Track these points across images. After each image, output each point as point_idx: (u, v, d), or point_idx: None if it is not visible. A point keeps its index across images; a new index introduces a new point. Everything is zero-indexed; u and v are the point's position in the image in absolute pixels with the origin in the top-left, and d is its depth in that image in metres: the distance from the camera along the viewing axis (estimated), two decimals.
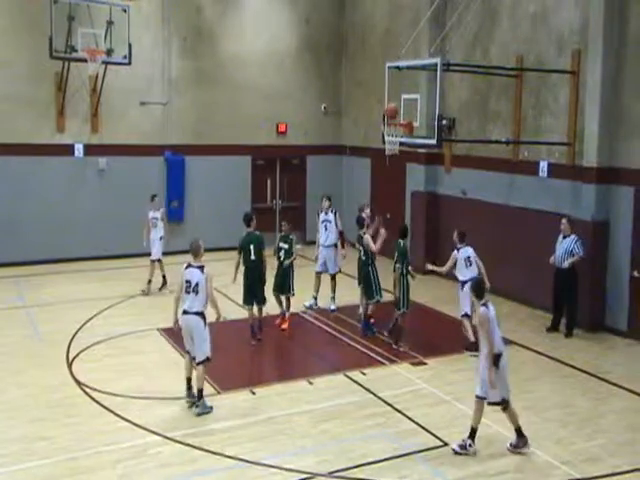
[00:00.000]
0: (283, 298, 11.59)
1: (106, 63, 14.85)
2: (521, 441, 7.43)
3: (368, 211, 12.39)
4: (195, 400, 8.29)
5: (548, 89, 12.73)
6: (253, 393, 8.92)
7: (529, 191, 13.14)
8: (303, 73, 18.75)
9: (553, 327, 11.69)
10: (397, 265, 10.62)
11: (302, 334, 11.51)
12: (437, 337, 11.51)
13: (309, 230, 18.79)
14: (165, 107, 17.10)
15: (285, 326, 11.43)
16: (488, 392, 7.38)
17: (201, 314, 8.22)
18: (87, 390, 8.85)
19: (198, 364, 8.26)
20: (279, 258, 11.49)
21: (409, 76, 13.15)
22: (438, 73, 11.07)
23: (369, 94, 17.53)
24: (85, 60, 14.43)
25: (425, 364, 10.05)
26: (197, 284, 8.19)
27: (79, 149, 16.25)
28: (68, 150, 16.12)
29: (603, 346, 11.10)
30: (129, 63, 15.00)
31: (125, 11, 14.84)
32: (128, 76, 16.01)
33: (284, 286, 11.47)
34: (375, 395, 8.89)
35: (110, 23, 14.63)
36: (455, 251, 10.69)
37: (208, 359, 8.25)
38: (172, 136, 17.23)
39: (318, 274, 12.82)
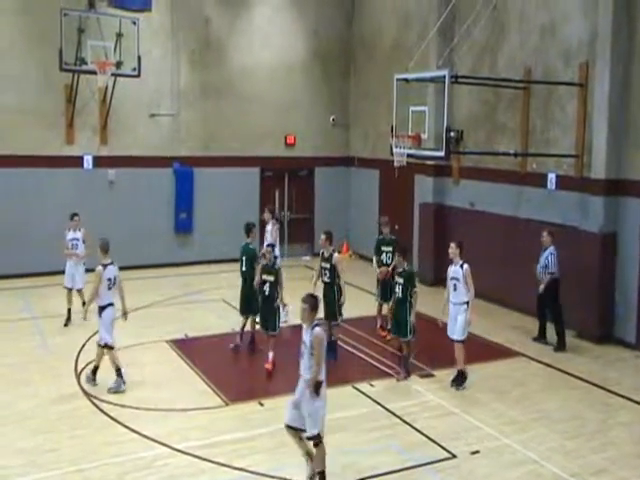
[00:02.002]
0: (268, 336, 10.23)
1: (115, 75, 14.96)
2: None
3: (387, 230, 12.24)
4: (95, 383, 9.27)
5: (556, 101, 12.75)
6: (261, 405, 8.92)
7: (537, 203, 13.12)
8: (311, 85, 18.84)
9: (540, 336, 11.73)
10: (415, 290, 9.87)
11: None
12: (445, 349, 11.45)
13: (317, 242, 18.82)
14: (174, 119, 17.21)
15: (269, 366, 10.03)
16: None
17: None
18: (95, 401, 8.86)
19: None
20: (263, 292, 10.15)
21: (417, 88, 13.19)
22: (446, 85, 11.11)
23: (377, 106, 17.59)
24: (95, 72, 14.55)
25: (433, 376, 10.02)
26: (115, 278, 9.38)
27: (88, 161, 16.37)
28: (77, 162, 16.23)
29: (611, 358, 11.04)
30: (138, 75, 15.12)
31: (134, 23, 14.99)
32: (137, 88, 16.14)
33: (268, 323, 10.17)
34: (383, 407, 8.87)
35: (120, 35, 14.76)
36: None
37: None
38: (181, 148, 17.33)
39: None
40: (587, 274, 11.67)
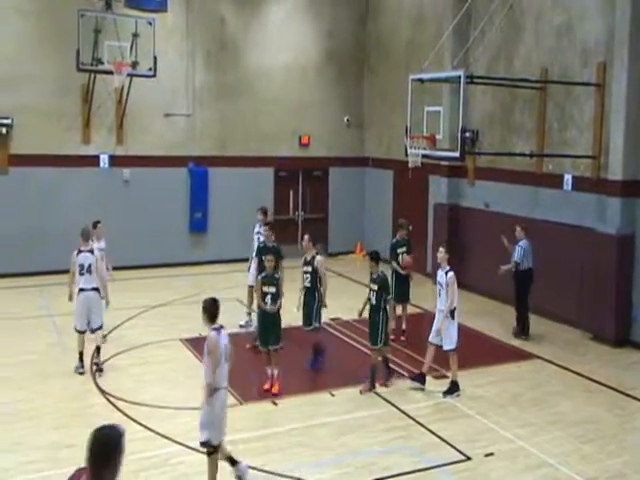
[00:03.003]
0: (270, 351, 9.38)
1: (131, 75, 15.03)
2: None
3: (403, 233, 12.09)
4: (83, 370, 9.67)
5: (573, 101, 12.66)
6: (275, 404, 8.93)
7: (553, 204, 13.04)
8: (326, 85, 18.84)
9: (520, 331, 11.99)
10: (389, 297, 9.54)
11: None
12: (459, 350, 11.40)
13: (332, 242, 18.87)
14: (189, 119, 17.28)
15: (276, 390, 9.22)
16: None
17: (97, 289, 9.79)
18: (111, 399, 8.93)
19: (96, 330, 9.83)
20: (265, 304, 9.34)
21: (432, 88, 13.16)
22: (461, 85, 11.06)
23: (392, 106, 17.56)
24: (111, 72, 14.62)
25: (447, 377, 9.97)
26: (90, 265, 9.67)
27: (104, 160, 16.48)
28: (94, 161, 16.35)
29: (628, 361, 10.95)
30: (154, 75, 15.18)
31: (150, 24, 15.05)
32: (153, 88, 16.21)
33: (270, 336, 9.33)
34: (397, 408, 8.85)
35: (135, 36, 14.83)
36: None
37: (101, 327, 9.94)
38: (196, 148, 17.40)
39: (251, 287, 11.52)
40: (604, 276, 11.57)
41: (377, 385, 9.45)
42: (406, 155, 12.26)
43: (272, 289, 9.30)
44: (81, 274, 9.66)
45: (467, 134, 13.26)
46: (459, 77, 11.13)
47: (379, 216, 18.51)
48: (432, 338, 9.47)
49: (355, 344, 11.38)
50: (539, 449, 7.72)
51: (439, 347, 9.41)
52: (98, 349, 9.97)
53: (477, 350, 11.39)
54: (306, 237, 10.39)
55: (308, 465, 7.30)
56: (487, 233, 14.23)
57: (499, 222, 14.17)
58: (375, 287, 9.39)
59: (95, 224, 11.71)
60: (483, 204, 14.81)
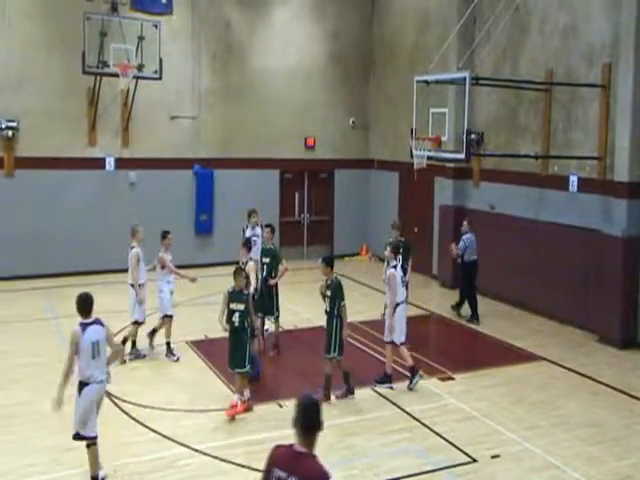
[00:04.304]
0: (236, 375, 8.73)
1: (137, 78, 15.09)
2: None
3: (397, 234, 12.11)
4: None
5: (578, 103, 12.63)
6: (280, 406, 8.93)
7: (558, 206, 13.01)
8: (331, 87, 18.85)
9: (457, 305, 13.24)
10: (342, 303, 8.89)
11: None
12: (465, 352, 11.42)
13: (337, 244, 18.89)
14: (194, 121, 17.31)
15: (231, 412, 8.45)
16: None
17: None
18: (117, 401, 8.94)
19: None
20: (232, 323, 8.59)
21: (437, 90, 13.15)
22: (467, 87, 11.06)
23: (397, 108, 17.55)
24: (117, 75, 14.70)
25: (453, 379, 9.97)
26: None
27: (110, 162, 16.52)
28: (99, 164, 16.40)
29: (635, 363, 10.89)
30: (159, 78, 15.24)
31: (156, 27, 15.12)
32: (158, 91, 16.26)
33: (233, 357, 8.64)
34: (402, 410, 8.84)
35: (141, 39, 14.89)
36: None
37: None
38: (201, 150, 17.43)
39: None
40: (610, 278, 11.53)
41: (333, 397, 9.00)
42: (411, 157, 12.26)
43: (240, 306, 8.57)
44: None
45: (472, 136, 13.24)
46: (464, 79, 11.12)
47: (384, 218, 18.44)
48: (386, 337, 9.65)
49: (361, 346, 11.36)
50: (545, 451, 7.70)
51: (394, 344, 9.59)
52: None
53: (483, 352, 11.40)
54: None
55: None
56: (493, 235, 14.21)
57: (504, 224, 14.17)
58: (329, 293, 8.91)
59: (165, 234, 10.94)
60: (488, 206, 14.79)
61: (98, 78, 15.34)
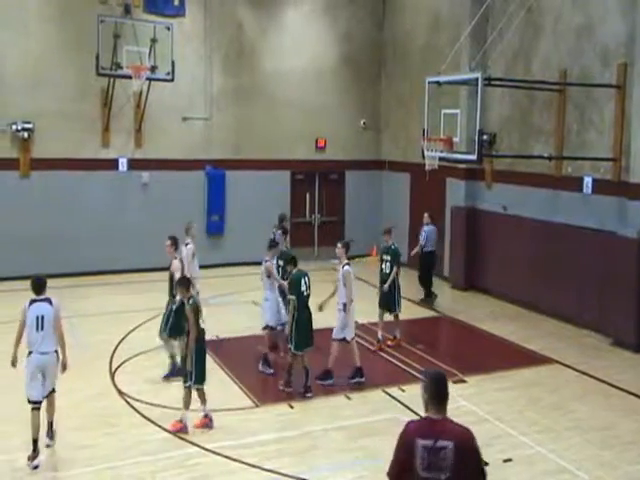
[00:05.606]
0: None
1: (150, 80, 15.16)
2: None
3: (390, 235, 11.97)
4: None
5: (592, 103, 12.54)
6: (291, 407, 8.92)
7: (572, 207, 12.91)
8: (343, 88, 18.84)
9: (426, 297, 14.18)
10: (290, 297, 9.28)
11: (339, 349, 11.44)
12: (477, 354, 11.35)
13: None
14: (206, 122, 17.37)
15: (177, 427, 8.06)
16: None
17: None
18: (129, 400, 8.98)
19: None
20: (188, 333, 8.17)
21: (449, 91, 13.10)
22: (479, 88, 11.02)
23: (408, 109, 17.52)
24: (130, 77, 14.77)
25: (465, 382, 9.91)
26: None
27: (123, 163, 16.61)
28: (113, 165, 16.49)
29: None
30: (172, 80, 15.30)
31: (169, 29, 15.19)
32: (171, 92, 16.33)
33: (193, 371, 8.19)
34: (413, 412, 8.78)
35: (154, 41, 14.96)
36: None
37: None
38: (213, 151, 17.48)
39: None
40: (624, 280, 11.43)
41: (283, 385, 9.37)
42: (423, 158, 12.23)
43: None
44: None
45: (484, 137, 13.17)
46: (477, 79, 11.08)
47: (396, 219, 18.41)
48: (336, 334, 9.66)
49: (372, 347, 11.33)
50: (557, 455, 7.64)
51: (345, 341, 9.63)
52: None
53: (495, 354, 11.33)
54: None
55: (324, 469, 7.28)
56: (505, 236, 14.14)
57: (517, 225, 14.08)
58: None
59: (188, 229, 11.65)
60: (501, 207, 14.71)
61: (112, 80, 15.43)
